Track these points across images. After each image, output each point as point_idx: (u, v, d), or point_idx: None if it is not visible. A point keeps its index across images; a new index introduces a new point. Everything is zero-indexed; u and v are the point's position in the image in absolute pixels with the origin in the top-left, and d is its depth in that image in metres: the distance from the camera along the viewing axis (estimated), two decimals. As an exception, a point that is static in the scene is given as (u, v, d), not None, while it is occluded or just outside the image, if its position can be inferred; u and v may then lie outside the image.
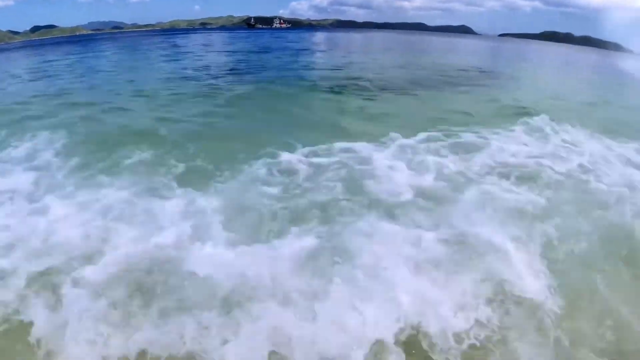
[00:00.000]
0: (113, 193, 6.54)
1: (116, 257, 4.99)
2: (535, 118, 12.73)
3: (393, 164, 8.14)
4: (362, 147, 8.99)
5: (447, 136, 10.11)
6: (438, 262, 5.10)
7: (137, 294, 4.47)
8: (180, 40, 60.88)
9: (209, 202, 6.29)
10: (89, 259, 4.98)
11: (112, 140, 9.23)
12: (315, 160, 8.18)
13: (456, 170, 7.93)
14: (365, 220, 5.84)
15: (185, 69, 22.52)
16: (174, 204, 6.23)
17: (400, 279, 4.75)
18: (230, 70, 22.21)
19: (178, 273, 4.80)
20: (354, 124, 11.27)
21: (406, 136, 9.78)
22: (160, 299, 4.40)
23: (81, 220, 5.77)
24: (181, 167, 7.58)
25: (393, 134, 9.82)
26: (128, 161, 7.86)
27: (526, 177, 7.70)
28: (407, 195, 6.69)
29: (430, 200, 6.53)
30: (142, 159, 8.01)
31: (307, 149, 8.68)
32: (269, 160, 8.02)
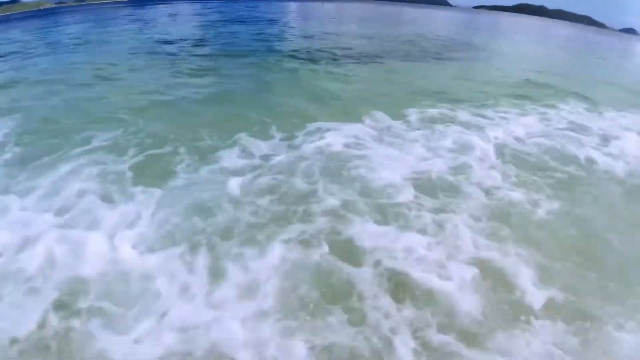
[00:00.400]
0: (54, 192, 5.58)
1: (30, 283, 3.95)
2: (527, 94, 12.47)
3: (381, 149, 7.45)
4: (344, 127, 8.31)
5: (436, 115, 9.59)
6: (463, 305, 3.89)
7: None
8: (147, 12, 58.19)
9: (167, 202, 5.35)
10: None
11: (65, 125, 8.19)
12: (293, 145, 7.43)
13: (453, 158, 7.25)
14: (359, 226, 5.03)
15: (151, 43, 21.04)
16: (124, 206, 5.27)
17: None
18: (200, 43, 20.91)
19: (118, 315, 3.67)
20: (332, 101, 10.54)
21: (392, 115, 9.21)
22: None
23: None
24: (140, 158, 6.63)
25: (377, 113, 9.24)
26: (79, 151, 6.84)
27: (541, 169, 7.01)
28: (404, 192, 5.90)
29: (431, 199, 5.75)
30: (97, 147, 7.01)
31: (282, 132, 7.94)
32: (239, 146, 7.20)
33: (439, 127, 8.82)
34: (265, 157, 6.84)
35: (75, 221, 4.93)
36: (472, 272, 4.33)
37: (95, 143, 7.16)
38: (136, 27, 32.34)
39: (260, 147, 7.21)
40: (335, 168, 6.56)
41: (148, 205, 5.29)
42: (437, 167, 6.81)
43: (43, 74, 13.93)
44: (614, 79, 18.50)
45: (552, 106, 11.29)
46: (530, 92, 12.97)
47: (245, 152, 6.98)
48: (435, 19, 57.99)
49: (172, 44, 20.58)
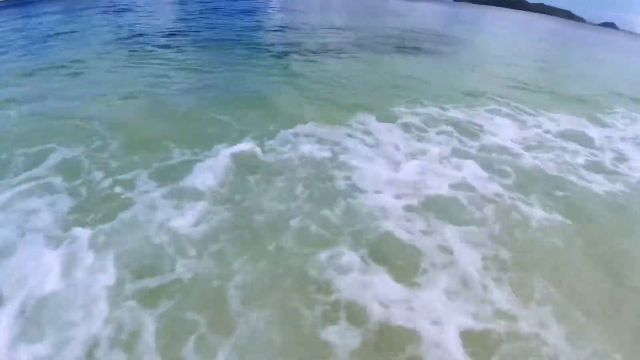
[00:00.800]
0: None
1: None
2: (516, 94, 12.10)
3: (367, 160, 6.80)
4: (325, 133, 7.68)
5: (424, 117, 9.12)
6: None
7: None
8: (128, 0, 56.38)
9: (107, 253, 4.25)
10: None
11: (19, 138, 7.03)
12: (268, 157, 6.65)
13: (447, 172, 6.67)
14: (340, 268, 4.25)
15: (126, 36, 19.75)
16: (46, 264, 4.08)
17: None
18: (175, 35, 19.76)
19: None
20: (313, 102, 9.82)
21: (378, 117, 8.73)
22: None
23: None
24: (98, 183, 5.60)
25: (361, 114, 8.70)
26: (23, 177, 5.70)
27: (547, 187, 6.47)
28: (395, 218, 5.22)
29: (425, 228, 5.07)
30: (49, 168, 5.96)
31: (257, 140, 7.18)
32: (210, 162, 6.33)
33: (429, 132, 8.35)
34: (237, 175, 6.08)
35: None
36: (477, 329, 3.70)
37: (50, 161, 6.20)
38: (114, 17, 30.89)
39: (232, 161, 6.42)
40: (315, 186, 5.90)
41: (81, 258, 4.26)
42: (430, 183, 6.25)
43: (7, 73, 12.64)
44: (603, 76, 18.25)
45: (544, 108, 10.95)
46: (519, 91, 12.63)
47: (215, 170, 6.14)
48: (419, 12, 57.39)
49: (147, 36, 19.38)
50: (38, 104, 9.13)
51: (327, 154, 6.89)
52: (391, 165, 6.73)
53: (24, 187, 5.49)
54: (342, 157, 6.80)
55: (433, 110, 9.59)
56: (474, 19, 57.16)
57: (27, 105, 8.98)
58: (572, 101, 12.61)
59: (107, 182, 5.65)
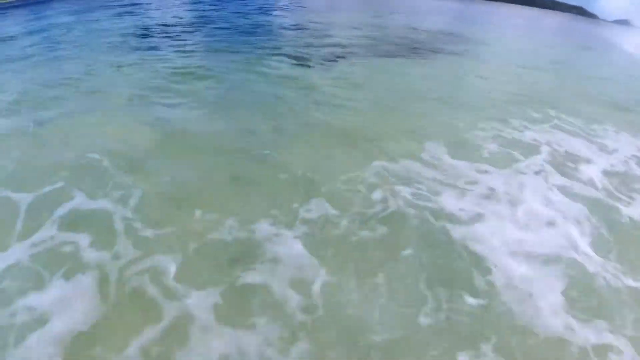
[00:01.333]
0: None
1: None
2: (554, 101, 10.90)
3: (480, 217, 5.35)
4: (400, 175, 6.17)
5: (500, 141, 7.93)
6: None
7: None
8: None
9: None
10: None
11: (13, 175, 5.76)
12: (344, 221, 5.03)
13: (578, 228, 5.35)
14: None
15: (135, 38, 18.51)
16: None
17: None
18: (179, 36, 18.60)
19: None
20: (361, 129, 8.09)
21: (448, 145, 7.36)
22: None
23: None
24: (125, 271, 4.07)
25: (427, 143, 7.34)
26: (21, 246, 4.27)
27: None
28: (550, 310, 3.92)
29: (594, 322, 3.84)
30: (57, 224, 4.55)
31: (322, 194, 5.54)
32: (270, 241, 4.55)
33: (517, 164, 7.05)
34: (315, 263, 4.32)
35: None
36: None
37: (59, 213, 4.78)
38: (129, 17, 29.57)
39: (304, 238, 4.70)
40: (427, 266, 4.41)
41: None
42: (574, 249, 4.87)
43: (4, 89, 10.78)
44: (633, 79, 17.06)
45: (598, 121, 9.84)
46: (563, 98, 11.63)
47: (285, 263, 4.30)
48: (430, 9, 56.00)
49: (163, 41, 17.79)
50: (45, 129, 7.82)
51: (417, 211, 5.38)
52: (506, 219, 5.39)
53: (28, 254, 4.15)
54: (438, 213, 5.36)
55: (497, 130, 8.46)
56: (486, 16, 55.94)
57: (33, 131, 7.70)
58: (621, 111, 11.46)
59: (137, 280, 3.98)
